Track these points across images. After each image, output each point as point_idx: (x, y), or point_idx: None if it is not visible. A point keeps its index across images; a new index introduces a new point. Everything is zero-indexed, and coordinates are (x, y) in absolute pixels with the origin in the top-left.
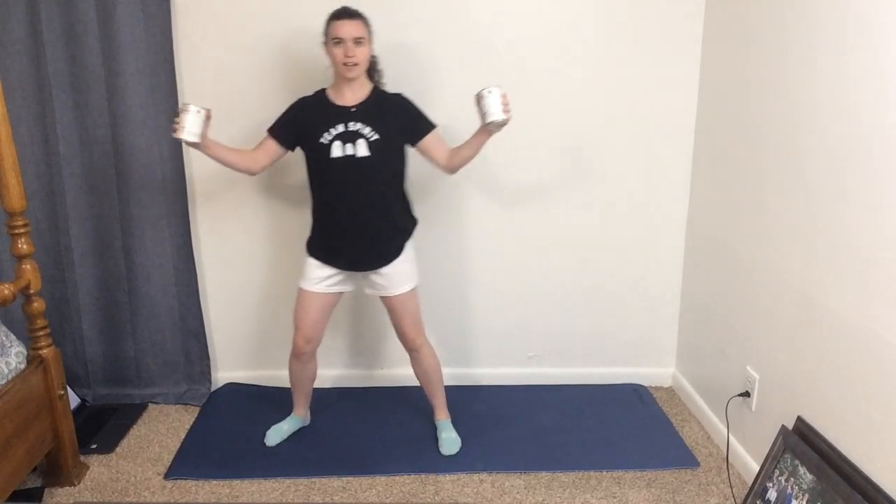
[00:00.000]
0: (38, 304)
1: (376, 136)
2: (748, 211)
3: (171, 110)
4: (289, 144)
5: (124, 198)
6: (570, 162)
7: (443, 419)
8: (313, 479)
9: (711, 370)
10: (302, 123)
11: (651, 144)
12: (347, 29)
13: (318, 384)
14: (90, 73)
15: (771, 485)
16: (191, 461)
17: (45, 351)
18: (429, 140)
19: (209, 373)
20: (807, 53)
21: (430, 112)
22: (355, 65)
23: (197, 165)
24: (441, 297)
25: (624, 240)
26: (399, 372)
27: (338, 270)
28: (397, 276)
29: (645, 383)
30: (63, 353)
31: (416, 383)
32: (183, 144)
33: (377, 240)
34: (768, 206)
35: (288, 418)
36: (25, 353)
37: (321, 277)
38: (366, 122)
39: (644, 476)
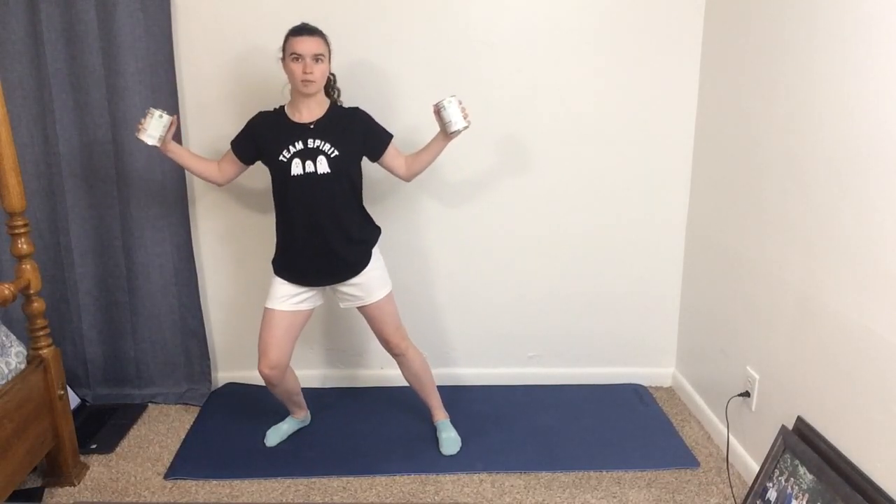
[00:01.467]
0: (38, 304)
1: (336, 153)
2: (748, 211)
3: (172, 110)
4: (248, 159)
5: (124, 198)
6: (569, 162)
7: (441, 419)
8: (313, 479)
9: (711, 370)
10: (260, 140)
11: (651, 144)
12: (307, 45)
13: (317, 384)
14: (90, 73)
15: (771, 485)
16: (191, 461)
17: (45, 351)
18: (390, 154)
19: (209, 373)
20: (807, 53)
21: (394, 122)
22: (312, 82)
23: None
24: (441, 298)
25: (624, 240)
26: (399, 372)
27: (305, 288)
28: (370, 283)
29: (645, 383)
30: (63, 353)
31: None
32: (182, 137)
33: (340, 253)
34: (768, 206)
35: (287, 419)
36: (25, 353)
37: (287, 295)
38: (325, 139)
39: (644, 476)
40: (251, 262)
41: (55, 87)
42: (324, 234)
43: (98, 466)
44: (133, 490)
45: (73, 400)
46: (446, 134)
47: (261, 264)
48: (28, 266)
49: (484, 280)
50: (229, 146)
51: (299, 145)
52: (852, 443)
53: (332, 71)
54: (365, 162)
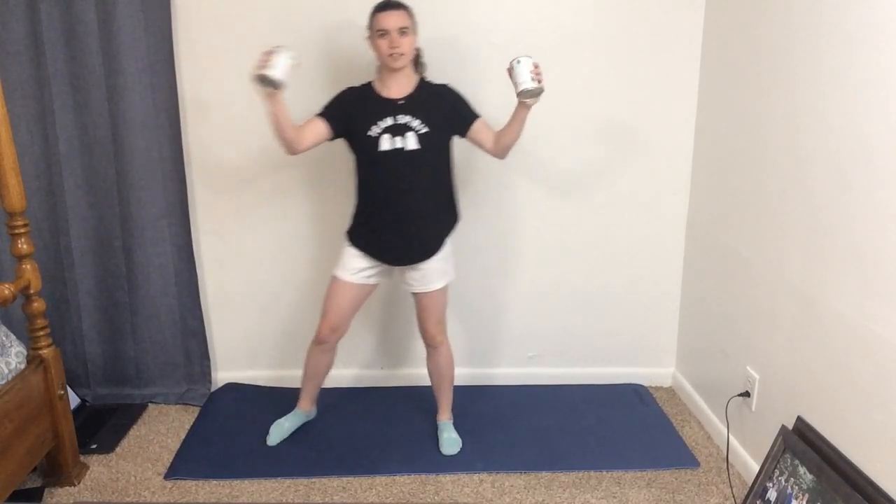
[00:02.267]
0: (38, 304)
1: (426, 129)
2: (748, 211)
3: (172, 110)
4: (338, 130)
5: (124, 198)
6: (569, 162)
7: (445, 420)
8: (313, 479)
9: (711, 370)
10: (351, 113)
11: (651, 144)
12: (392, 20)
13: None
14: (90, 73)
15: (771, 485)
16: (191, 461)
17: (45, 351)
18: (476, 128)
19: (209, 373)
20: (807, 53)
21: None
22: (401, 55)
23: (197, 166)
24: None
25: (624, 240)
26: (399, 372)
27: (377, 263)
28: (433, 272)
29: (645, 383)
30: (63, 353)
31: (416, 383)
32: (182, 137)
33: (422, 234)
34: (768, 205)
35: (291, 414)
36: (25, 353)
37: (359, 268)
38: (414, 115)
39: (644, 476)
40: (251, 262)
41: (55, 87)
42: (409, 210)
43: (98, 466)
44: (133, 490)
45: (73, 400)
46: (517, 95)
47: (261, 264)
48: (28, 266)
49: (483, 280)
50: (315, 116)
51: (388, 121)
52: (852, 443)
53: (418, 45)
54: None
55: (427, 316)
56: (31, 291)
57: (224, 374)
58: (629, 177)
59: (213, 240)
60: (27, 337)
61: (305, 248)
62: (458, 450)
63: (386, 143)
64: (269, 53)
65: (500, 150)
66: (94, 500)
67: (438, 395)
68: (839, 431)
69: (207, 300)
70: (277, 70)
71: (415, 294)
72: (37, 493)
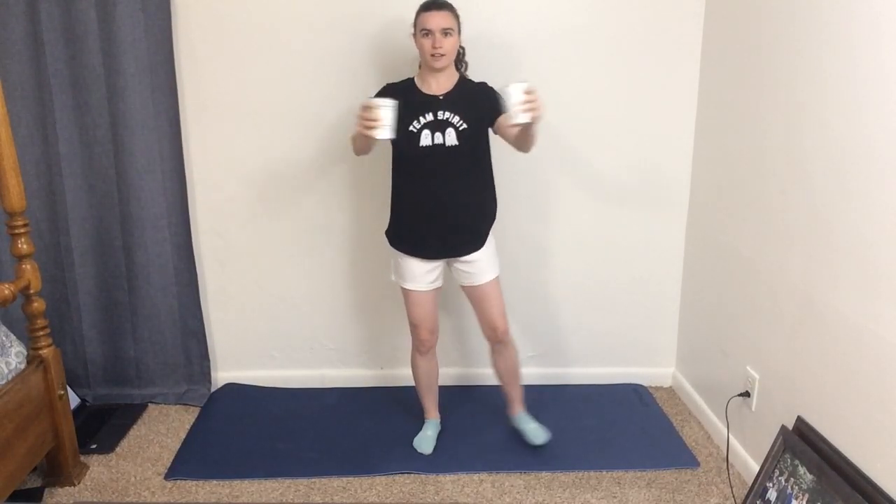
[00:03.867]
0: (38, 304)
1: (465, 126)
2: (748, 211)
3: (172, 110)
4: None
5: (124, 198)
6: (569, 162)
7: (521, 411)
8: (313, 479)
9: (711, 370)
10: None
11: (651, 144)
12: (436, 20)
13: (315, 384)
14: (90, 73)
15: (771, 485)
16: (191, 461)
17: (45, 351)
18: (501, 121)
19: (209, 373)
20: (807, 52)
21: None
22: (443, 55)
23: (197, 165)
24: (442, 298)
25: (624, 240)
26: (399, 372)
27: (429, 262)
28: (483, 262)
29: (645, 383)
30: (63, 353)
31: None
32: (182, 137)
33: (464, 227)
34: (769, 205)
35: (428, 424)
36: (25, 353)
37: (421, 272)
38: (455, 111)
39: (644, 476)
40: (251, 263)
41: (55, 87)
42: (450, 205)
43: (98, 466)
44: (133, 490)
45: (73, 400)
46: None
47: (261, 264)
48: (28, 266)
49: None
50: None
51: (429, 116)
52: (852, 443)
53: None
54: None
55: (489, 308)
56: (31, 291)
57: (224, 374)
58: (629, 176)
59: (213, 240)
60: (27, 337)
61: (305, 248)
62: (547, 438)
63: (426, 139)
64: (371, 109)
65: (518, 148)
66: (94, 500)
67: (510, 389)
68: (839, 431)
69: (207, 300)
70: (388, 130)
71: (471, 288)
72: (37, 493)
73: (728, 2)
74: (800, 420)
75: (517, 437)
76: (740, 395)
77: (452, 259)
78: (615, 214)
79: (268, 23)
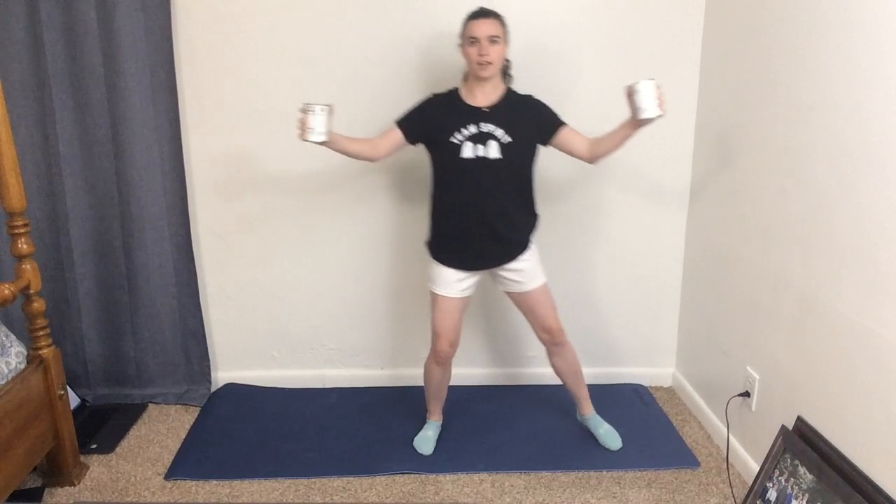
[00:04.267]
0: (38, 304)
1: (509, 139)
2: (748, 211)
3: (172, 110)
4: (414, 138)
5: (124, 198)
6: (568, 162)
7: (591, 413)
8: (313, 479)
9: (711, 370)
10: (433, 120)
11: (651, 144)
12: (483, 28)
13: (317, 384)
14: (90, 73)
15: (771, 485)
16: (191, 461)
17: (45, 351)
18: (563, 135)
19: (209, 373)
20: (808, 52)
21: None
22: (489, 63)
23: (197, 165)
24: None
25: (624, 240)
26: (399, 372)
27: (469, 273)
28: (530, 269)
29: (645, 383)
30: (63, 353)
31: (417, 383)
32: (182, 137)
33: (500, 237)
34: (769, 205)
35: (429, 424)
36: (25, 353)
37: (455, 280)
38: (498, 125)
39: (644, 476)
40: (251, 263)
41: (55, 87)
42: (486, 217)
43: (98, 466)
44: (133, 490)
45: (73, 400)
46: (636, 120)
47: (261, 264)
48: (28, 266)
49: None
50: (393, 124)
51: (472, 129)
52: (852, 443)
53: (507, 57)
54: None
55: (543, 312)
56: (31, 291)
57: (224, 374)
58: (629, 176)
59: (213, 240)
60: (27, 337)
61: (306, 248)
62: (620, 443)
63: (468, 151)
64: (302, 113)
65: (595, 158)
66: (94, 500)
67: (575, 390)
68: (839, 431)
69: (207, 300)
70: (315, 134)
71: (519, 295)
72: (37, 493)
73: (728, 2)
74: (800, 420)
75: (517, 437)
76: (740, 395)
77: (495, 269)
78: (615, 214)
79: (268, 22)
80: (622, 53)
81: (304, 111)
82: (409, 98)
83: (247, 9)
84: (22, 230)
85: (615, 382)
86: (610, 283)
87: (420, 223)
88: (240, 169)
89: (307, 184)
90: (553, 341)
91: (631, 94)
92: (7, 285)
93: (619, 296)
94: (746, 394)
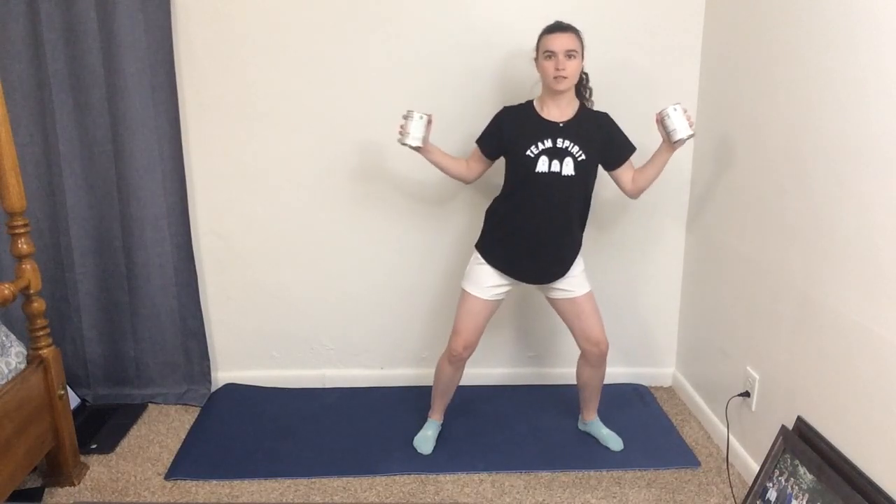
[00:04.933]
0: (38, 304)
1: (583, 157)
2: (748, 210)
3: (172, 110)
4: (494, 155)
5: (124, 198)
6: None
7: (594, 418)
8: (313, 480)
9: (711, 370)
10: (508, 133)
11: (651, 144)
12: (560, 42)
13: (317, 384)
14: (90, 73)
15: (771, 485)
16: (191, 461)
17: (45, 351)
18: (625, 167)
19: (209, 373)
20: (807, 52)
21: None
22: (565, 78)
23: (197, 165)
24: (442, 298)
25: (624, 240)
26: (399, 372)
27: (514, 281)
28: (577, 277)
29: (645, 383)
30: (63, 353)
31: (416, 383)
32: (182, 137)
33: (560, 253)
34: (768, 205)
35: (429, 423)
36: (25, 353)
37: (493, 284)
38: (574, 141)
39: (644, 476)
40: (251, 262)
41: (55, 87)
42: (554, 231)
43: (98, 466)
44: (133, 490)
45: (73, 400)
46: (670, 143)
47: (262, 264)
48: (28, 266)
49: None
50: (475, 144)
51: (548, 143)
52: (852, 443)
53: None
54: None
55: (589, 323)
56: (31, 291)
57: (224, 374)
58: None
59: (213, 240)
60: (27, 337)
61: (305, 248)
62: (622, 446)
63: (543, 165)
64: (403, 119)
65: (637, 191)
66: (94, 500)
67: (589, 397)
68: (839, 431)
69: (207, 300)
70: (412, 138)
71: (565, 302)
72: (37, 493)
73: (728, 1)
74: (800, 420)
75: (517, 437)
76: (740, 395)
77: (546, 284)
78: (615, 214)
79: (268, 22)
80: (622, 54)
81: (405, 117)
82: (408, 99)
83: (247, 9)
84: (22, 230)
85: (615, 382)
86: (610, 283)
87: (420, 223)
88: (240, 169)
89: (307, 184)
90: (599, 353)
91: (662, 119)
92: (7, 285)
93: (619, 296)
94: (746, 394)
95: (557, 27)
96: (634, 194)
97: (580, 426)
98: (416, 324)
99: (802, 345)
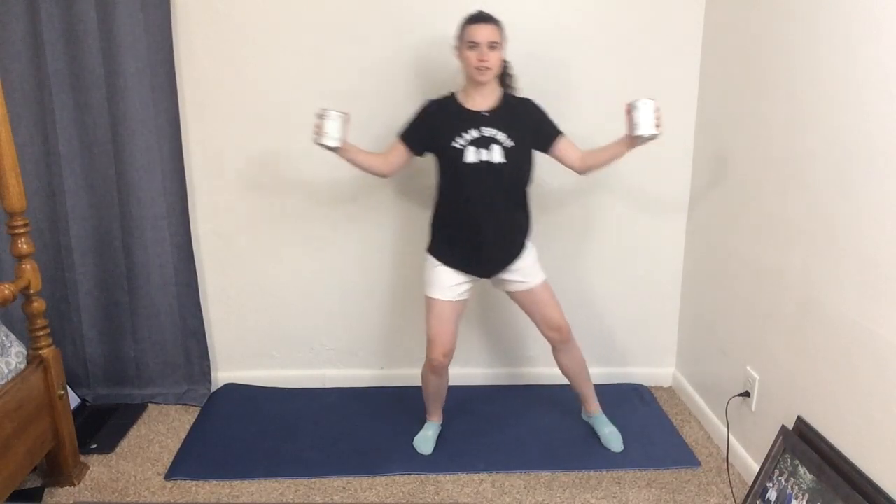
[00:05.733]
0: (38, 304)
1: (511, 143)
2: (748, 211)
3: (172, 110)
4: (419, 150)
5: (124, 198)
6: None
7: (598, 412)
8: (313, 479)
9: (711, 370)
10: (433, 127)
11: (651, 144)
12: (484, 33)
13: (317, 384)
14: (90, 73)
15: (771, 485)
16: (191, 461)
17: (45, 351)
18: (560, 146)
19: (209, 373)
20: (807, 51)
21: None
22: (488, 69)
23: (197, 165)
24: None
25: (624, 240)
26: (399, 372)
27: (470, 277)
28: (530, 267)
29: (645, 383)
30: (63, 353)
31: (416, 383)
32: (182, 137)
33: (507, 243)
34: (768, 205)
35: (428, 424)
36: (25, 353)
37: (452, 283)
38: (499, 128)
39: (644, 476)
40: (251, 262)
41: (55, 87)
42: (494, 221)
43: (98, 466)
44: (133, 490)
45: (73, 400)
46: (631, 137)
47: (261, 264)
48: (28, 266)
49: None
50: (397, 138)
51: (474, 133)
52: (852, 443)
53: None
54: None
55: (548, 310)
56: (31, 291)
57: (224, 374)
58: (629, 176)
59: (213, 240)
60: (27, 337)
61: (305, 248)
62: (622, 445)
63: (471, 155)
64: (319, 118)
65: (586, 170)
66: (94, 500)
67: (582, 388)
68: (839, 431)
69: (207, 300)
70: (329, 138)
71: (522, 293)
72: (37, 493)
73: (728, 2)
74: (800, 420)
75: (517, 437)
76: (740, 395)
77: (498, 275)
78: (615, 214)
79: (268, 22)
80: (622, 57)
81: (321, 116)
82: (408, 100)
83: (246, 9)
84: (22, 230)
85: (615, 382)
86: (610, 283)
87: (420, 222)
88: (240, 169)
89: (307, 183)
90: (561, 339)
91: (630, 110)
92: (7, 285)
93: (619, 296)
94: (746, 394)
95: (481, 17)
96: (582, 171)
97: (583, 416)
98: (416, 324)
99: (802, 345)
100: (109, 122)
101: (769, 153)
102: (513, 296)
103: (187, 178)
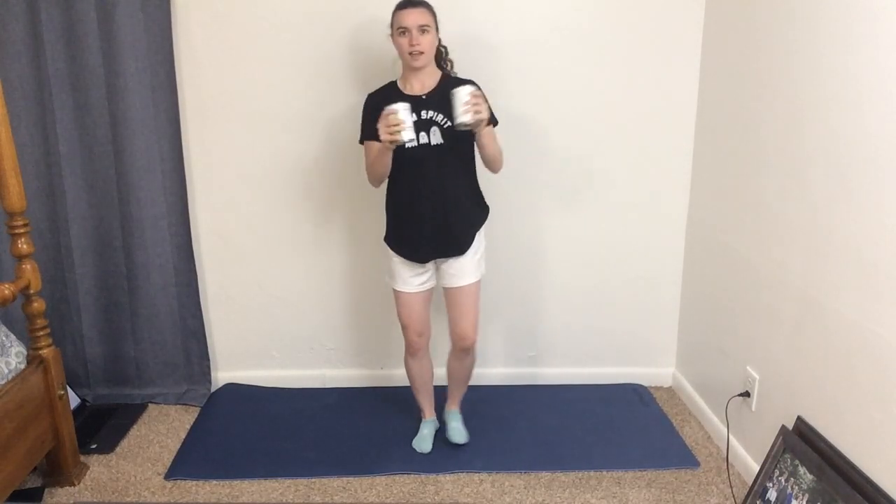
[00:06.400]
0: (38, 304)
1: (449, 123)
2: (749, 210)
3: (172, 110)
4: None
5: (124, 198)
6: (568, 162)
7: (455, 409)
8: (313, 480)
9: (711, 370)
10: (377, 118)
11: (651, 144)
12: (412, 17)
13: (317, 384)
14: (90, 73)
15: (771, 485)
16: (191, 461)
17: (45, 351)
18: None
19: (209, 373)
20: (808, 51)
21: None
22: (420, 53)
23: (197, 165)
24: (442, 298)
25: (624, 240)
26: (399, 372)
27: (422, 267)
28: (467, 265)
29: (645, 383)
30: (63, 353)
31: None
32: (182, 137)
33: (453, 228)
34: (769, 205)
35: (424, 424)
36: (25, 353)
37: (414, 275)
38: (437, 110)
39: (644, 476)
40: (251, 262)
41: (55, 87)
42: (435, 205)
43: (98, 466)
44: (133, 490)
45: (73, 400)
46: (454, 125)
47: (261, 264)
48: (28, 266)
49: (483, 280)
50: (362, 144)
51: (413, 117)
52: (852, 443)
53: (444, 43)
54: None
55: (461, 314)
56: (31, 291)
57: (224, 374)
58: (629, 177)
59: (213, 240)
60: (27, 337)
61: (305, 248)
62: (465, 440)
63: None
64: (391, 115)
65: (486, 164)
66: (94, 500)
67: (453, 389)
68: (839, 431)
69: (207, 300)
70: (410, 130)
71: (450, 290)
72: (37, 493)
73: (728, 2)
74: (800, 420)
75: (517, 437)
76: (740, 395)
77: (441, 260)
78: (615, 214)
79: (268, 23)
80: (622, 53)
81: (393, 112)
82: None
83: (247, 9)
84: (22, 230)
85: (615, 382)
86: (610, 283)
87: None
88: (240, 168)
89: (307, 184)
90: (464, 348)
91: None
92: (7, 285)
93: (619, 296)
94: (746, 394)
95: (409, 3)
96: (488, 168)
97: (445, 413)
98: None
99: (802, 345)
100: (109, 122)
101: (769, 153)
102: (444, 291)
103: (187, 178)
